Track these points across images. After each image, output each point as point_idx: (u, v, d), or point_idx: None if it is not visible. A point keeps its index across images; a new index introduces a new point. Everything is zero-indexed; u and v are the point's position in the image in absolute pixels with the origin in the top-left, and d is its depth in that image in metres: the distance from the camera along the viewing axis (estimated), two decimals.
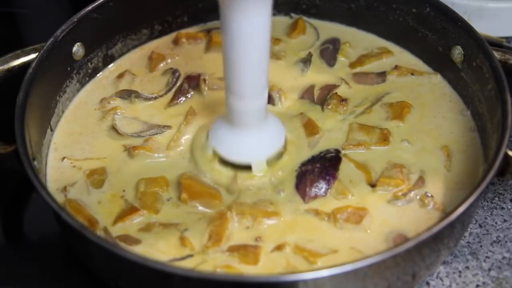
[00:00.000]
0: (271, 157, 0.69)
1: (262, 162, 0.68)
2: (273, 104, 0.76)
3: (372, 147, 0.71)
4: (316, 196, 0.67)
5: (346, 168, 0.69)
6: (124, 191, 0.68)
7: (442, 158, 0.71)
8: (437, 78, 0.80)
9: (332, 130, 0.74)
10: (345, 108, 0.76)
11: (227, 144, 0.69)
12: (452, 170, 0.70)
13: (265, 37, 0.62)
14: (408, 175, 0.68)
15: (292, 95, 0.78)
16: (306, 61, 0.81)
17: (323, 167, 0.69)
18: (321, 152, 0.71)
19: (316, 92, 0.78)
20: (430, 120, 0.75)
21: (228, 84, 0.65)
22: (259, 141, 0.69)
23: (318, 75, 0.80)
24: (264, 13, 0.59)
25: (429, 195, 0.66)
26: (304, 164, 0.70)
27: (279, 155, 0.70)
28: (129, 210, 0.66)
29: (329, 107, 0.76)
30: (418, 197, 0.66)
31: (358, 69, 0.81)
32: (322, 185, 0.67)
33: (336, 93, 0.77)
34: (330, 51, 0.83)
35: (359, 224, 0.64)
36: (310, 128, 0.73)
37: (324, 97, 0.77)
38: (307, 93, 0.78)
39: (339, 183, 0.68)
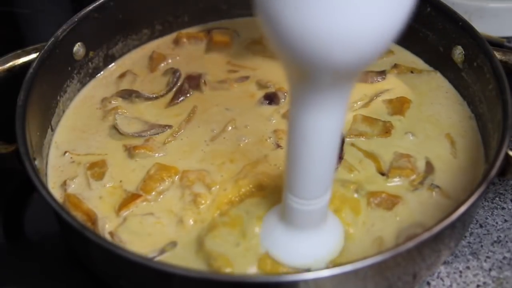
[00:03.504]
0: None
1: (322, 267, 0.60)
2: (277, 104, 0.76)
3: (373, 138, 0.72)
4: None
5: (353, 153, 0.70)
6: (121, 181, 0.68)
7: (446, 144, 0.71)
8: (437, 76, 0.80)
9: None
10: None
11: (283, 247, 0.61)
12: (458, 157, 0.70)
13: (338, 134, 0.52)
14: (415, 164, 0.69)
15: None
16: None
17: None
18: None
19: None
20: (428, 107, 0.76)
21: (290, 184, 0.56)
22: (319, 243, 0.61)
23: None
24: (340, 108, 0.50)
25: (435, 185, 0.67)
26: None
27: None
28: (130, 198, 0.66)
29: None
30: (427, 187, 0.67)
31: None
32: None
33: None
34: None
35: (391, 210, 0.65)
36: None
37: None
38: None
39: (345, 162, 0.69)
